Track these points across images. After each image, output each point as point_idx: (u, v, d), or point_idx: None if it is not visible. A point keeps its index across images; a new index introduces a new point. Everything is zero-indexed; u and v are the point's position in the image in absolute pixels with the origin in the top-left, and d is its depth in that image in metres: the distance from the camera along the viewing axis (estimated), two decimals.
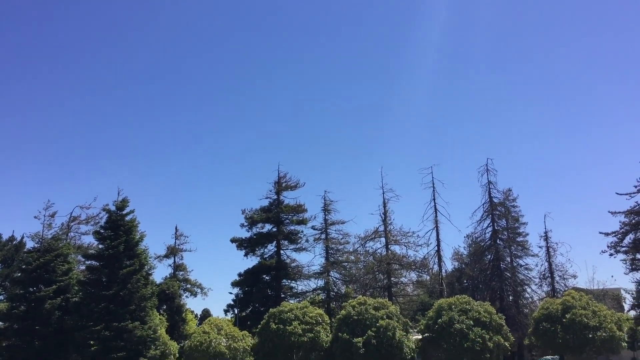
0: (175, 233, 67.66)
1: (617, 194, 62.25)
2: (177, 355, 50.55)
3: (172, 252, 66.16)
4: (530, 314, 49.19)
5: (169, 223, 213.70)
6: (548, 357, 56.20)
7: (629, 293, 68.94)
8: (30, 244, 61.01)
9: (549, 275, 55.79)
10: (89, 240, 65.62)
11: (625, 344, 43.89)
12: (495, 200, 57.53)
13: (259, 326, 48.12)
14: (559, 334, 41.32)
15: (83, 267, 56.79)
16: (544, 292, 55.95)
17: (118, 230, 50.62)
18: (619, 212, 63.71)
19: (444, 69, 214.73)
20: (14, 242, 72.30)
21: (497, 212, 57.42)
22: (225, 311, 68.09)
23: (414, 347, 46.48)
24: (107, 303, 46.83)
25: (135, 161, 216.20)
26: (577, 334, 41.11)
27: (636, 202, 62.02)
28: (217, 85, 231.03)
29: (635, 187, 61.62)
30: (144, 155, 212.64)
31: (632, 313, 64.44)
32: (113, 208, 52.16)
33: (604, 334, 40.74)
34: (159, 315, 52.87)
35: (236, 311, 65.05)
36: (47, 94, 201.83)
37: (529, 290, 57.41)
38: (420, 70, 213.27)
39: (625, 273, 60.95)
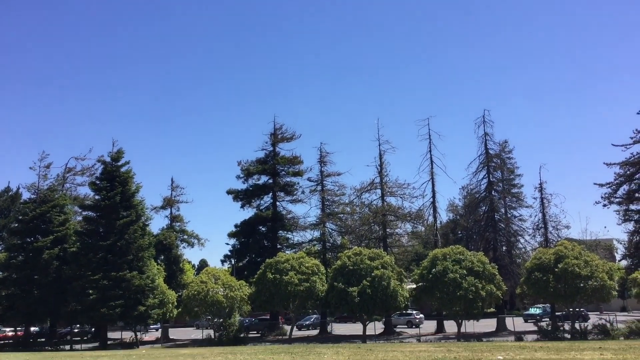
0: (172, 185, 67.77)
1: (613, 145, 62.39)
2: (176, 303, 51.42)
3: (169, 203, 66.38)
4: (523, 264, 49.89)
5: (165, 175, 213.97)
6: (539, 305, 57.51)
7: (621, 243, 70.14)
8: (26, 195, 61.39)
9: (543, 226, 56.32)
10: (85, 191, 65.85)
11: (616, 293, 44.70)
12: (491, 152, 57.47)
13: (256, 276, 48.80)
14: (550, 283, 42.02)
15: (80, 218, 57.27)
16: (537, 243, 56.63)
17: (114, 181, 50.77)
18: (614, 164, 64.04)
19: (442, 19, 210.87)
20: (10, 193, 72.41)
21: (493, 164, 57.46)
22: (222, 261, 69.07)
23: (408, 296, 47.35)
24: (104, 253, 47.40)
25: (131, 113, 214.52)
26: (569, 283, 41.83)
27: (631, 153, 62.23)
28: (212, 32, 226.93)
29: (632, 138, 61.69)
30: (139, 107, 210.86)
31: (623, 263, 65.76)
32: (108, 159, 52.20)
33: (595, 283, 41.46)
34: (157, 265, 53.55)
35: (233, 261, 65.89)
36: (39, 38, 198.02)
37: (522, 240, 58.12)
38: (419, 21, 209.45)
39: (617, 224, 61.77)
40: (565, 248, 44.35)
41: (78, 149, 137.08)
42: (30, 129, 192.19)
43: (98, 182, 51.70)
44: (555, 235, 55.79)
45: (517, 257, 56.35)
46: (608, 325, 42.10)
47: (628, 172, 63.75)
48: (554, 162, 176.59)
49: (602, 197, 66.11)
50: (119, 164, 51.90)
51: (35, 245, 50.16)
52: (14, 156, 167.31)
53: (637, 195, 63.35)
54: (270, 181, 63.56)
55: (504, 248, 56.61)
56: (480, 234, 58.29)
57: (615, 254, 72.15)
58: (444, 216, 75.28)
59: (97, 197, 51.41)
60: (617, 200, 64.88)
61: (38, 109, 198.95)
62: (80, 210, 58.31)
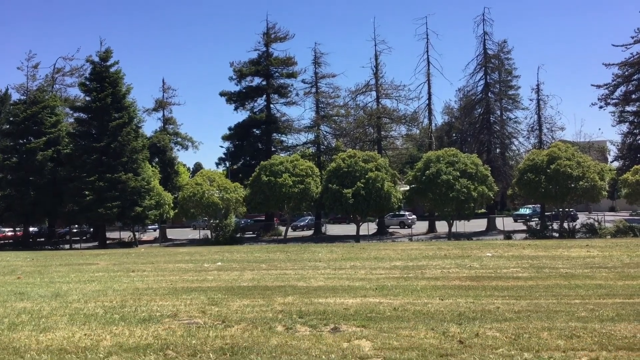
0: (163, 86, 66.47)
1: (613, 45, 61.10)
2: (172, 205, 52.03)
3: (161, 105, 65.43)
4: (516, 166, 50.21)
5: (155, 77, 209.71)
6: (529, 205, 58.57)
7: (614, 145, 70.47)
8: (15, 96, 60.36)
9: (537, 127, 56.15)
10: (75, 92, 64.73)
11: (606, 193, 45.38)
12: (489, 52, 56.06)
13: (251, 178, 49.03)
14: (542, 184, 42.46)
15: (71, 120, 56.69)
16: (530, 145, 56.74)
17: (103, 82, 49.88)
18: (613, 64, 62.98)
19: None
20: None
21: (491, 65, 56.25)
22: (217, 164, 68.99)
23: (401, 197, 47.93)
24: (98, 155, 47.35)
25: (119, 12, 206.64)
26: (560, 184, 42.30)
27: (631, 53, 60.97)
28: None
29: (633, 37, 60.21)
30: (127, 6, 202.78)
31: (615, 164, 66.34)
32: (97, 59, 50.98)
33: (585, 183, 41.92)
34: (152, 167, 53.62)
35: (227, 164, 65.90)
36: None
37: (516, 142, 58.17)
38: None
39: (612, 125, 61.79)
40: (558, 149, 44.43)
41: (66, 49, 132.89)
42: (16, 27, 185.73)
43: (88, 82, 50.85)
44: (550, 137, 55.80)
45: (510, 159, 56.63)
46: (596, 224, 43.08)
47: (626, 73, 62.87)
48: (553, 63, 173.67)
49: (598, 99, 65.62)
50: (108, 64, 50.77)
51: (28, 147, 50.00)
52: (1, 56, 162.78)
53: (633, 96, 62.88)
54: (264, 83, 62.30)
55: (497, 150, 56.72)
56: (474, 136, 58.17)
57: (608, 155, 72.67)
58: (439, 119, 74.73)
59: (87, 98, 50.85)
60: (614, 101, 64.50)
61: (24, 4, 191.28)
62: (71, 112, 57.61)
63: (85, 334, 9.54)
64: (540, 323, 9.67)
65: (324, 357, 7.58)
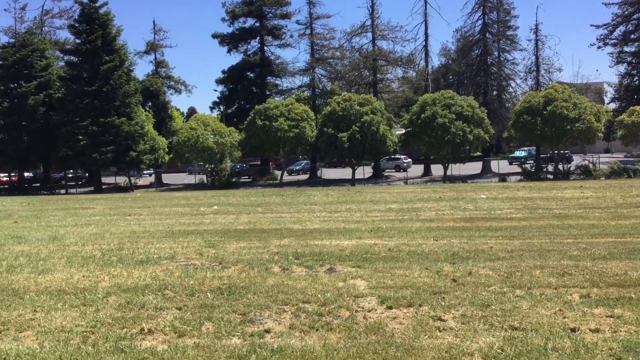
0: (154, 28, 65.11)
1: None
2: (167, 150, 51.86)
3: (152, 47, 64.18)
4: (513, 108, 49.90)
5: (146, 19, 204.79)
6: (524, 148, 58.59)
7: (611, 86, 69.99)
8: (4, 39, 59.00)
9: (535, 69, 55.48)
10: (65, 35, 63.44)
11: (601, 135, 45.36)
12: None
13: (245, 122, 48.67)
14: (538, 125, 42.31)
15: (62, 64, 55.74)
16: (527, 87, 56.20)
17: (93, 23, 48.89)
18: (613, 3, 61.74)
19: None
20: None
21: (490, 4, 55.01)
22: (211, 108, 68.36)
23: (396, 141, 47.81)
24: (91, 99, 46.86)
25: None
26: (556, 126, 42.18)
27: None
28: None
29: None
30: None
31: (612, 105, 66.06)
32: (86, 0, 49.83)
33: (581, 125, 41.82)
34: (145, 112, 53.12)
35: (222, 108, 65.28)
36: None
37: (513, 84, 57.67)
38: None
39: (610, 66, 61.29)
40: (555, 91, 44.07)
41: None
42: None
43: (77, 24, 49.87)
44: (547, 78, 55.25)
45: (507, 102, 56.29)
46: (591, 166, 43.26)
47: (626, 12, 61.76)
48: (552, 3, 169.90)
49: (597, 39, 64.66)
50: (97, 4, 49.62)
51: (19, 91, 49.40)
52: None
53: (632, 36, 61.96)
54: (257, 24, 60.90)
55: (494, 92, 56.28)
56: (471, 79, 57.54)
57: (605, 97, 72.20)
58: (435, 61, 73.87)
59: (77, 41, 50.05)
60: (612, 42, 63.63)
61: None
62: (62, 55, 56.54)
63: (83, 276, 9.64)
64: (532, 262, 9.81)
65: (319, 296, 7.70)
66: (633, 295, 7.30)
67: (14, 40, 53.72)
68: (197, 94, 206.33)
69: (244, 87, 61.77)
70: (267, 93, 61.23)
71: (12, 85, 50.99)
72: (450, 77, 74.09)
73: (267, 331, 6.29)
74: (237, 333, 6.25)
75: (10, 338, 6.27)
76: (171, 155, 51.31)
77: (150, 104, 58.85)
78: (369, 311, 7.01)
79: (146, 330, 6.40)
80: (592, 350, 5.35)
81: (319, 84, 61.20)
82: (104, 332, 6.39)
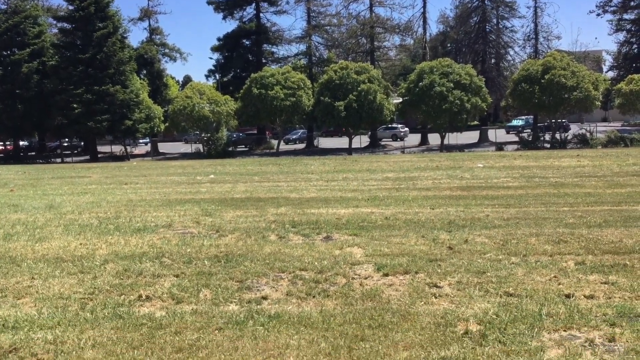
0: None
1: None
2: (162, 118, 51.54)
3: (146, 14, 63.18)
4: (511, 77, 49.60)
5: None
6: (522, 117, 58.43)
7: (610, 55, 69.49)
8: None
9: (534, 36, 55.00)
10: (58, 2, 62.51)
11: (599, 104, 45.26)
12: None
13: (241, 91, 48.33)
14: (536, 94, 42.14)
15: (55, 31, 55.02)
16: (526, 55, 55.83)
17: None
18: None
19: None
20: None
21: None
22: (207, 77, 67.74)
23: (393, 109, 47.63)
24: (84, 67, 46.42)
25: None
26: (554, 94, 42.02)
27: None
28: None
29: None
30: None
31: (610, 74, 65.70)
32: None
33: (579, 94, 41.67)
34: (140, 80, 52.60)
35: (217, 77, 64.69)
36: None
37: (511, 52, 57.28)
38: None
39: (609, 34, 60.76)
40: (553, 59, 43.77)
41: None
42: None
43: None
44: (546, 46, 54.83)
45: (505, 70, 55.97)
46: (588, 134, 43.27)
47: None
48: None
49: (596, 6, 63.96)
50: None
51: (12, 58, 48.89)
52: None
53: (632, 3, 61.26)
54: None
55: (492, 60, 55.88)
56: (469, 46, 57.03)
57: (603, 65, 71.74)
58: (434, 28, 73.25)
59: (70, 7, 49.36)
60: (612, 9, 62.93)
61: None
62: (55, 22, 55.69)
63: (80, 244, 9.65)
64: (528, 230, 9.85)
65: (316, 263, 7.73)
66: (628, 262, 7.36)
67: (6, 6, 52.96)
68: (193, 62, 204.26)
69: (239, 55, 61.12)
70: (263, 61, 60.64)
71: (5, 53, 50.46)
72: (449, 45, 73.40)
73: (264, 298, 6.33)
74: (235, 300, 6.29)
75: (8, 305, 6.30)
76: (167, 124, 51.02)
77: (144, 72, 58.23)
78: (366, 278, 7.05)
79: (144, 297, 6.43)
80: (586, 316, 5.40)
81: (315, 52, 60.61)
82: (102, 299, 6.42)
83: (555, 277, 6.83)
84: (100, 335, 5.21)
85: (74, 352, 4.82)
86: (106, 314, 5.85)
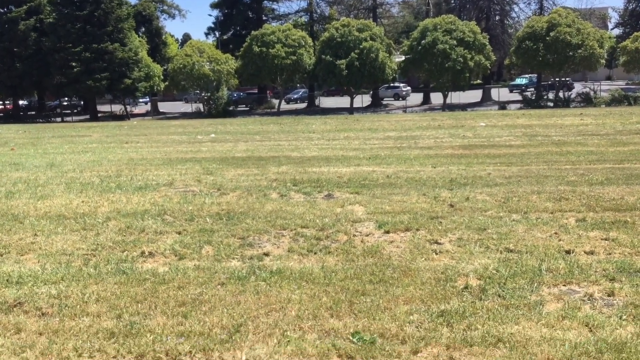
0: None
1: None
2: (162, 77, 51.03)
3: None
4: (515, 34, 48.81)
5: None
6: (525, 75, 57.76)
7: (616, 12, 68.22)
8: None
9: None
10: None
11: (604, 62, 44.70)
12: None
13: (242, 49, 47.66)
14: (540, 52, 41.56)
15: None
16: (531, 11, 54.83)
17: None
18: None
19: None
20: None
21: None
22: (206, 34, 66.73)
23: (396, 68, 47.04)
24: (82, 24, 45.77)
25: None
26: (559, 52, 41.43)
27: None
28: None
29: None
30: None
31: (616, 32, 64.68)
32: None
33: (584, 51, 41.07)
34: (139, 38, 51.86)
35: (217, 34, 63.69)
36: None
37: (516, 9, 56.56)
38: None
39: None
40: (559, 16, 43.00)
41: None
42: None
43: None
44: (551, 2, 53.83)
45: (509, 27, 55.06)
46: (591, 93, 42.86)
47: None
48: None
49: None
50: None
51: (9, 16, 48.08)
52: None
53: None
54: None
55: (497, 17, 54.94)
56: (474, 3, 55.94)
57: (609, 23, 70.50)
58: None
59: None
60: None
61: None
62: None
63: (82, 201, 9.68)
64: (530, 187, 9.85)
65: (317, 221, 7.75)
66: (629, 219, 7.37)
67: None
68: (192, 20, 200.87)
69: (239, 11, 60.05)
70: (264, 18, 59.64)
71: (1, 10, 49.59)
72: (452, 1, 71.93)
73: (266, 254, 6.37)
74: (237, 256, 6.33)
75: (12, 261, 6.35)
76: (166, 83, 50.55)
77: (143, 29, 57.35)
78: (367, 235, 7.08)
79: (147, 253, 6.48)
80: (586, 271, 5.44)
81: (316, 9, 59.57)
82: (105, 255, 6.47)
83: (555, 233, 6.85)
84: (104, 290, 5.26)
85: (78, 306, 4.88)
86: (109, 269, 5.91)
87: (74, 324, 4.51)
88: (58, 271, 5.85)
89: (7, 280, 5.59)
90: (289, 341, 4.13)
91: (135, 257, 6.38)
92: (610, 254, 6.05)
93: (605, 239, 6.57)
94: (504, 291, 4.98)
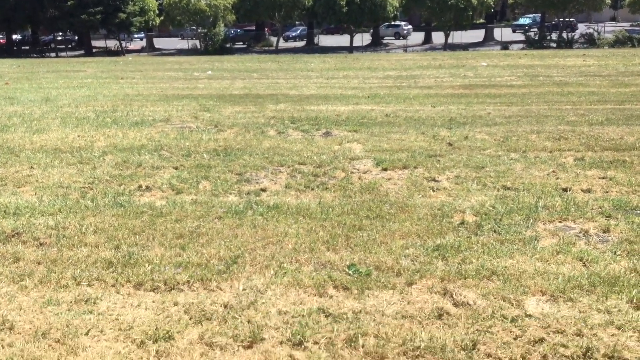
0: None
1: None
2: (157, 12, 49.78)
3: None
4: None
5: None
6: (529, 15, 56.47)
7: None
8: None
9: None
10: None
11: (609, 2, 43.71)
12: None
13: None
14: None
15: None
16: None
17: None
18: None
19: None
20: None
21: None
22: None
23: (397, 5, 45.94)
24: None
25: None
26: None
27: None
28: None
29: None
30: None
31: None
32: None
33: None
34: None
35: None
36: None
37: None
38: None
39: None
40: None
41: None
42: None
43: None
44: None
45: None
46: (595, 34, 42.08)
47: None
48: None
49: None
50: None
51: None
52: None
53: None
54: None
55: None
56: None
57: None
58: None
59: None
60: None
61: None
62: None
63: (78, 136, 9.61)
64: (529, 127, 9.79)
65: (315, 158, 7.72)
66: (627, 159, 7.35)
67: None
68: None
69: None
70: None
71: None
72: None
73: (263, 190, 6.37)
74: (234, 191, 6.33)
75: (8, 192, 6.34)
76: (162, 18, 49.38)
77: None
78: (364, 172, 7.07)
79: (144, 187, 6.47)
80: (582, 208, 5.45)
81: None
82: (102, 188, 6.46)
83: (553, 172, 6.84)
84: (102, 222, 5.27)
85: (75, 237, 4.90)
86: (107, 202, 5.90)
87: (72, 254, 4.54)
88: (55, 203, 5.85)
89: (5, 212, 5.59)
90: (285, 272, 4.17)
91: (133, 190, 6.37)
92: (607, 192, 6.06)
93: (603, 178, 6.57)
94: (499, 227, 5.00)
